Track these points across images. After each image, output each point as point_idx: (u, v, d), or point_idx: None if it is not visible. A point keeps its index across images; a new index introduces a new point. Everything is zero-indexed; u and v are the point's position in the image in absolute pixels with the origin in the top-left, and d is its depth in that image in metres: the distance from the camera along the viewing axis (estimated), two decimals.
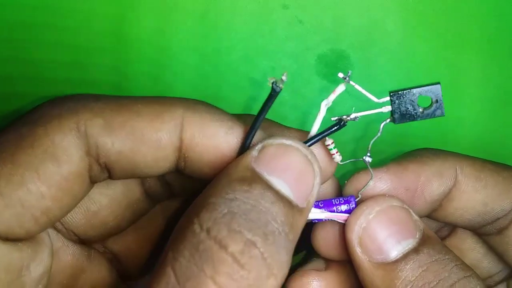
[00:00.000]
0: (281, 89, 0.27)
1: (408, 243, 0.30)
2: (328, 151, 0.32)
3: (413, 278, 0.29)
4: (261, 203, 0.25)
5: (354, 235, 0.31)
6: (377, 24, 0.39)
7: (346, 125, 0.31)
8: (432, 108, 0.30)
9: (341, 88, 0.30)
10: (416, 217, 0.31)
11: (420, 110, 0.30)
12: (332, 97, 0.30)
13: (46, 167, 0.26)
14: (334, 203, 0.33)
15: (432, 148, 0.35)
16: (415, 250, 0.30)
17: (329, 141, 0.32)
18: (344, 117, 0.31)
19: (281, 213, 0.25)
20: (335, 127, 0.31)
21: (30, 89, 0.38)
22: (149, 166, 0.29)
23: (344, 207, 0.32)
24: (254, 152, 0.27)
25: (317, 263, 0.35)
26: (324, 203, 0.33)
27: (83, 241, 0.32)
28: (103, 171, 0.29)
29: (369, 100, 0.31)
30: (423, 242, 0.30)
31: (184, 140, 0.28)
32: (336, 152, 0.32)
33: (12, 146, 0.26)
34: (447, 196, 0.33)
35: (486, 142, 0.41)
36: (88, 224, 0.31)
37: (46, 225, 0.27)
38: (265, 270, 0.24)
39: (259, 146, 0.28)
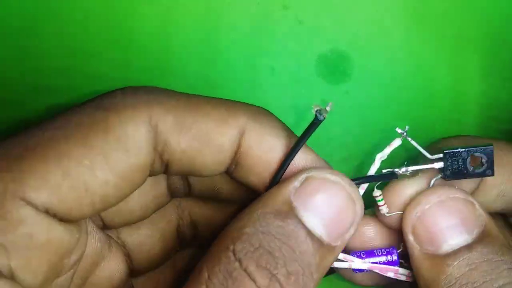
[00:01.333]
0: (324, 118, 0.28)
1: (463, 239, 0.29)
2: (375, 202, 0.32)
3: (457, 275, 0.28)
4: (291, 240, 0.26)
5: (408, 223, 0.31)
6: (377, 24, 0.39)
7: (397, 177, 0.31)
8: (483, 168, 0.31)
9: (397, 142, 0.31)
10: (480, 211, 0.30)
11: (471, 169, 0.31)
12: (388, 150, 0.31)
13: (116, 155, 0.26)
14: (376, 253, 0.33)
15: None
16: (468, 247, 0.29)
17: (377, 192, 0.32)
18: (396, 170, 0.31)
19: (308, 252, 0.27)
20: (386, 178, 0.31)
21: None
22: (206, 167, 0.29)
23: (384, 259, 0.32)
24: (296, 183, 0.28)
25: None
26: (366, 254, 0.33)
27: (104, 228, 0.32)
28: (162, 167, 0.29)
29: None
30: (480, 240, 0.29)
31: (242, 147, 0.29)
32: (384, 204, 0.32)
33: (86, 129, 0.26)
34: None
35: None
36: (117, 211, 0.31)
37: (98, 212, 0.27)
38: None
39: (302, 176, 0.28)
